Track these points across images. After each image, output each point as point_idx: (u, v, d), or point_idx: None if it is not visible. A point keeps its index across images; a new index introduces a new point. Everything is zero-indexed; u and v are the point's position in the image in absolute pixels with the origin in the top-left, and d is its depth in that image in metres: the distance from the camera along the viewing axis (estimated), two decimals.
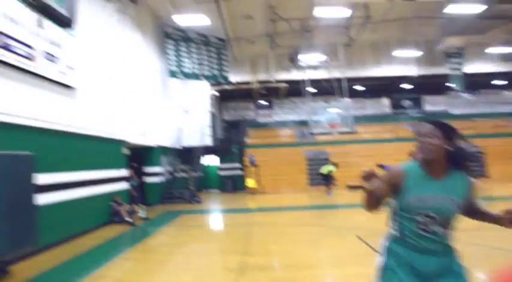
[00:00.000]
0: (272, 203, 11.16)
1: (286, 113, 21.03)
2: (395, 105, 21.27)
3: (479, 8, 10.63)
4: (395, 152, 14.39)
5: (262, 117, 21.03)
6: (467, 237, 3.14)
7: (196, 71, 12.70)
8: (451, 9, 10.87)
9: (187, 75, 12.55)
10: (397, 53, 15.76)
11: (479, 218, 1.59)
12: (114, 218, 7.77)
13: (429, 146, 1.44)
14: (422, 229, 1.46)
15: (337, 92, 14.56)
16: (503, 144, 16.06)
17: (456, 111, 20.12)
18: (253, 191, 13.97)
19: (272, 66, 16.73)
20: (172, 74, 12.18)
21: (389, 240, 1.62)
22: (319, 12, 11.13)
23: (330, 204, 10.43)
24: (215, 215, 9.96)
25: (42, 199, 5.29)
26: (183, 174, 12.84)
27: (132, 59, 9.64)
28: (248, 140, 17.50)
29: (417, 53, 15.73)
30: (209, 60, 13.04)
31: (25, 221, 4.93)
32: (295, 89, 17.15)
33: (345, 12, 11.17)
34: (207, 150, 14.52)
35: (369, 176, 1.50)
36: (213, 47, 13.17)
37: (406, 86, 20.00)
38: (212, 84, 16.07)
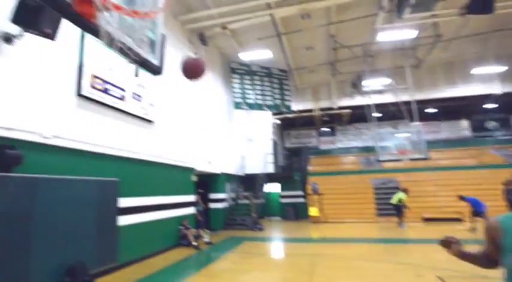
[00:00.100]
0: (336, 234, 10.59)
1: (349, 139, 20.33)
2: (477, 128, 18.86)
3: None
4: (479, 180, 12.64)
5: (325, 144, 20.66)
6: None
7: (260, 102, 13.34)
8: None
9: (251, 106, 13.25)
10: (476, 70, 14.27)
11: None
12: (181, 241, 8.26)
13: None
14: None
15: (406, 116, 13.64)
16: None
17: None
18: (316, 220, 13.49)
19: (334, 93, 16.61)
20: (237, 106, 12.99)
21: None
22: (383, 37, 10.92)
23: (403, 238, 9.46)
24: (277, 243, 9.83)
25: (122, 221, 5.98)
26: (246, 201, 13.15)
27: (202, 93, 10.64)
28: (310, 168, 17.23)
29: (500, 69, 14.01)
30: (272, 90, 13.62)
31: (109, 239, 5.62)
32: (358, 115, 16.63)
33: (411, 34, 10.73)
34: (269, 177, 14.71)
35: (447, 243, 1.40)
36: (275, 78, 13.76)
37: (489, 105, 17.75)
38: (274, 113, 16.60)
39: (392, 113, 15.39)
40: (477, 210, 9.18)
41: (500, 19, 10.67)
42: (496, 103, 17.32)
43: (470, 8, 8.17)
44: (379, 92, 15.56)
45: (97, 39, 2.11)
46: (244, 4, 8.97)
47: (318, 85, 16.87)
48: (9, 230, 3.92)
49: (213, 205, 11.66)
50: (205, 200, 11.00)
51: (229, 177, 12.83)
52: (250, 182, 14.17)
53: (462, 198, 9.62)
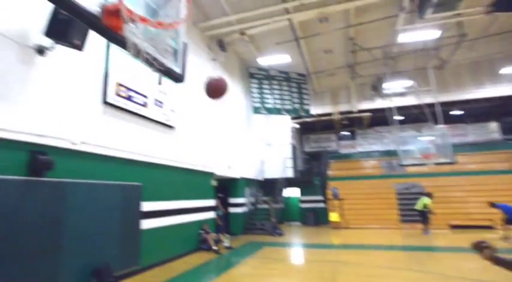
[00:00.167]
0: (357, 240, 10.34)
1: (370, 143, 19.88)
2: (508, 130, 17.92)
3: None
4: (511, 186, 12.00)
5: (345, 148, 20.32)
6: None
7: (278, 106, 13.35)
8: None
9: (270, 111, 13.28)
10: (505, 70, 13.63)
11: None
12: (202, 245, 8.34)
13: None
14: None
15: (429, 119, 13.20)
16: None
17: None
18: (336, 225, 13.25)
19: (354, 96, 16.36)
20: (256, 111, 13.06)
21: None
22: (404, 38, 10.68)
23: (429, 245, 9.09)
24: (297, 249, 9.72)
25: (144, 224, 6.13)
26: (265, 206, 13.12)
27: (221, 98, 10.76)
28: (330, 172, 16.98)
29: None
30: (290, 94, 13.60)
31: (132, 243, 5.77)
32: (379, 118, 16.27)
33: (434, 34, 10.43)
34: (289, 182, 14.63)
35: (479, 247, 1.36)
36: (294, 82, 13.74)
37: None
38: (293, 118, 16.56)
39: (415, 116, 14.96)
40: (510, 217, 8.70)
41: None
42: None
43: (496, 6, 7.86)
44: (401, 94, 15.17)
45: (124, 50, 2.21)
46: (262, 10, 9.07)
47: (337, 88, 16.68)
48: (41, 232, 4.12)
49: (232, 210, 11.72)
50: (225, 204, 11.08)
51: (248, 181, 12.87)
52: (269, 187, 14.15)
53: (493, 204, 9.15)
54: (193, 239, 8.21)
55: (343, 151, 20.21)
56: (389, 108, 13.93)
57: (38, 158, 4.15)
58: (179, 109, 7.86)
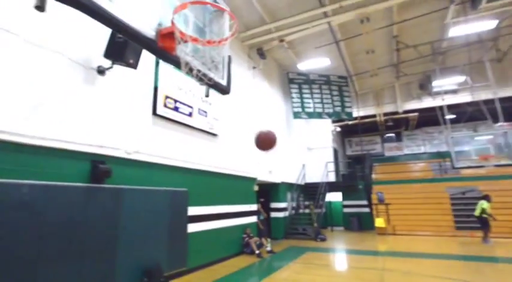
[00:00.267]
0: (406, 247, 9.75)
1: (418, 145, 18.72)
2: None
3: None
4: None
5: (390, 150, 19.36)
6: None
7: (319, 110, 13.17)
8: None
9: (310, 115, 13.14)
10: None
11: None
12: (245, 249, 8.48)
13: None
14: None
15: (487, 117, 12.09)
16: None
17: None
18: (382, 231, 12.64)
19: (399, 96, 15.57)
20: (296, 115, 13.00)
21: None
22: (455, 31, 9.97)
23: (489, 255, 8.28)
24: (341, 255, 9.45)
25: (189, 228, 6.41)
26: (307, 211, 12.97)
27: (261, 104, 10.94)
28: (375, 176, 16.27)
29: None
30: (331, 98, 13.35)
31: (180, 245, 6.07)
32: (427, 118, 15.29)
33: (490, 24, 9.60)
34: (331, 186, 14.31)
35: None
36: (335, 85, 13.47)
37: None
38: (334, 121, 16.22)
39: (469, 114, 13.80)
40: None
41: None
42: None
43: None
44: (453, 91, 14.12)
45: (178, 69, 2.39)
46: (300, 16, 9.06)
47: (380, 89, 16.01)
48: (101, 234, 4.52)
49: (274, 214, 11.76)
50: (266, 209, 11.16)
51: (289, 186, 12.83)
52: (311, 191, 13.97)
53: None
54: (236, 242, 8.38)
55: (388, 154, 19.28)
56: (440, 107, 13.00)
57: (98, 167, 4.57)
58: (222, 117, 8.13)
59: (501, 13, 9.28)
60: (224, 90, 3.11)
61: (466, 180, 13.49)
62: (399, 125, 18.29)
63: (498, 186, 12.54)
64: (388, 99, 16.00)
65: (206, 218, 7.15)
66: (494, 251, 8.76)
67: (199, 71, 2.40)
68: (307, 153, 15.53)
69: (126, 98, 5.32)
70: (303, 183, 14.29)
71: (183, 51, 2.35)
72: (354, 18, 9.05)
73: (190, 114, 6.69)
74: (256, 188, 9.81)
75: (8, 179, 3.52)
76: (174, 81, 6.33)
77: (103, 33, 4.35)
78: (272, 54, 12.02)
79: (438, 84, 13.41)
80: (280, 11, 9.13)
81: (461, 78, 13.53)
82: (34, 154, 3.84)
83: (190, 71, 2.36)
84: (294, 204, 13.15)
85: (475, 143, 11.91)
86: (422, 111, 15.51)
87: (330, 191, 14.55)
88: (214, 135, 7.69)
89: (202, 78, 2.49)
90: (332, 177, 14.60)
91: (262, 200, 10.61)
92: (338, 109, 13.37)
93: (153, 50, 2.39)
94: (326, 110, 13.23)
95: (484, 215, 9.88)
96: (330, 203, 15.50)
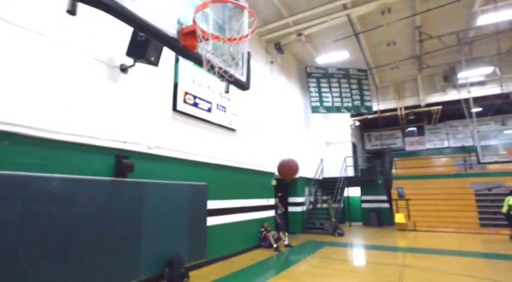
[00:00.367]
0: (427, 244, 9.54)
1: (441, 139, 18.10)
2: None
3: None
4: None
5: (411, 145, 18.83)
6: None
7: (337, 104, 12.98)
8: None
9: (329, 109, 12.97)
10: None
11: None
12: (262, 242, 8.58)
13: None
14: None
15: None
16: None
17: None
18: (402, 227, 12.41)
19: (421, 89, 15.07)
20: (314, 110, 12.87)
21: None
22: (484, 20, 9.50)
23: None
24: (360, 250, 9.38)
25: (209, 221, 6.55)
26: (324, 205, 12.90)
27: (279, 99, 10.91)
28: (395, 171, 15.92)
29: None
30: (350, 91, 13.12)
31: (200, 237, 6.22)
32: (451, 111, 14.73)
33: None
34: (349, 181, 14.15)
35: None
36: (354, 79, 13.21)
37: None
38: (353, 115, 15.94)
39: (497, 107, 13.19)
40: None
41: None
42: None
43: None
44: (480, 83, 13.51)
45: (199, 66, 2.44)
46: (318, 9, 8.89)
47: (401, 82, 15.53)
48: (126, 225, 4.72)
49: (291, 209, 11.79)
50: (284, 203, 11.19)
51: (307, 181, 12.79)
52: (329, 186, 13.88)
53: None
54: (254, 236, 8.49)
55: (410, 148, 18.77)
56: (465, 100, 12.48)
57: (122, 161, 4.75)
58: (240, 112, 8.19)
59: None
60: (244, 86, 3.15)
61: (492, 175, 12.97)
62: (421, 119, 17.73)
63: None
64: (410, 92, 15.53)
65: (225, 212, 7.28)
66: None
67: (220, 68, 2.44)
68: (326, 147, 15.39)
69: (148, 94, 5.47)
70: (321, 178, 14.20)
71: (205, 49, 2.40)
72: (375, 9, 8.81)
73: (209, 110, 6.79)
74: (274, 182, 9.86)
75: (40, 173, 3.73)
76: (193, 78, 6.43)
77: (125, 33, 4.47)
78: (290, 49, 11.90)
79: (464, 75, 12.85)
80: (298, 5, 9.00)
81: (489, 69, 12.91)
82: (63, 149, 4.05)
83: (211, 68, 2.41)
84: (312, 199, 13.11)
85: (502, 137, 11.40)
86: (446, 104, 14.96)
87: (349, 186, 14.39)
88: (232, 130, 7.78)
89: (223, 75, 2.53)
90: (351, 172, 14.41)
91: (280, 194, 10.65)
92: (357, 103, 13.13)
93: (175, 48, 2.45)
94: (345, 104, 13.02)
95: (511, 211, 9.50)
96: (348, 197, 15.35)
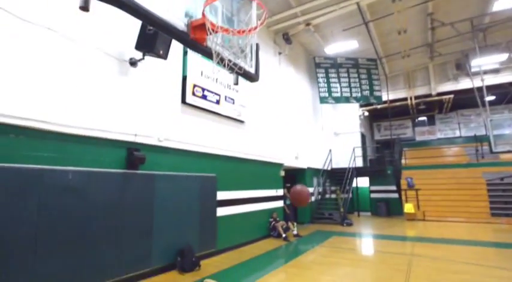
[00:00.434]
0: (436, 233, 9.50)
1: (453, 128, 17.80)
2: None
3: None
4: None
5: (422, 135, 18.58)
6: None
7: (346, 94, 12.82)
8: None
9: (337, 100, 12.84)
10: None
11: None
12: (271, 232, 8.68)
13: None
14: None
15: None
16: None
17: None
18: (411, 217, 12.37)
19: (433, 77, 14.76)
20: (323, 100, 12.76)
21: None
22: (501, 5, 9.18)
23: None
24: (368, 240, 9.42)
25: (218, 212, 6.65)
26: (333, 196, 12.92)
27: (287, 90, 10.84)
28: (405, 161, 15.77)
29: None
30: (359, 81, 12.94)
31: (209, 227, 6.33)
32: (463, 100, 14.43)
33: None
34: (358, 171, 14.10)
35: None
36: (363, 68, 13.00)
37: None
38: (362, 105, 15.76)
39: (511, 95, 12.86)
40: None
41: None
42: None
43: None
44: (494, 71, 13.16)
45: (209, 59, 2.45)
46: None
47: (412, 71, 15.23)
48: (138, 216, 4.84)
49: None
50: None
51: (316, 171, 12.80)
52: (337, 177, 13.87)
53: None
54: (263, 226, 8.59)
55: (420, 138, 18.53)
56: (479, 88, 12.19)
57: (133, 154, 4.83)
58: (249, 104, 8.19)
59: None
60: (253, 78, 3.15)
61: (505, 165, 12.75)
62: (432, 108, 17.43)
63: None
64: (421, 81, 15.24)
65: (234, 203, 7.37)
66: None
67: (230, 60, 2.45)
68: (334, 138, 15.31)
69: (157, 87, 5.51)
70: (329, 168, 14.18)
71: (214, 42, 2.40)
72: None
73: (217, 102, 6.80)
74: (282, 173, 9.90)
75: (55, 166, 3.84)
76: (202, 70, 6.44)
77: (133, 27, 4.48)
78: (298, 39, 11.74)
79: (477, 63, 12.52)
80: None
81: (503, 56, 12.55)
82: (76, 143, 4.14)
83: (221, 61, 2.42)
84: (321, 190, 13.14)
85: None
86: (457, 93, 14.65)
87: (357, 176, 14.35)
88: (241, 122, 7.79)
89: (232, 68, 2.54)
90: (359, 163, 14.34)
91: (288, 185, 10.69)
92: (366, 93, 12.95)
93: (185, 41, 2.46)
94: (354, 94, 12.86)
95: None
96: (357, 188, 15.33)
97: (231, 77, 3.21)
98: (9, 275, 3.30)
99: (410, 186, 13.09)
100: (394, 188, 14.60)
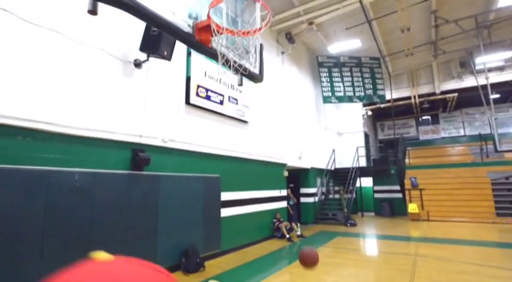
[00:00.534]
0: (441, 233, 9.45)
1: (457, 127, 17.68)
2: None
3: None
4: None
5: (426, 134, 18.47)
6: None
7: (349, 94, 12.77)
8: None
9: (341, 99, 12.80)
10: None
11: None
12: (275, 233, 8.67)
13: None
14: None
15: None
16: None
17: None
18: (415, 217, 12.31)
19: (437, 76, 14.66)
20: (326, 100, 12.73)
21: None
22: (506, 1, 9.10)
23: None
24: (372, 240, 9.39)
25: (222, 213, 6.66)
26: (336, 196, 12.89)
27: (290, 90, 10.82)
28: (408, 160, 15.69)
29: None
30: (362, 81, 12.88)
31: (214, 228, 6.34)
32: (468, 99, 14.32)
33: None
34: (361, 171, 14.05)
35: None
36: (366, 67, 12.95)
37: None
38: (365, 104, 15.70)
39: None
40: None
41: None
42: None
43: None
44: (499, 68, 13.05)
45: (214, 60, 2.46)
46: None
47: (415, 69, 15.14)
48: (143, 217, 4.85)
49: (303, 199, 11.83)
50: (296, 194, 11.24)
51: (319, 171, 12.77)
52: (341, 177, 13.83)
53: None
54: (266, 227, 8.59)
55: (424, 137, 18.43)
56: (483, 86, 12.09)
57: (138, 155, 4.85)
58: (252, 104, 8.19)
59: None
60: (257, 78, 3.15)
61: (510, 164, 12.64)
62: (436, 107, 17.33)
63: None
64: (425, 79, 15.15)
65: (238, 203, 7.37)
66: None
67: (235, 62, 2.45)
68: (337, 138, 15.28)
69: (161, 89, 5.53)
70: (333, 168, 14.15)
71: (219, 43, 2.40)
72: None
73: (221, 102, 6.81)
74: (286, 173, 9.89)
75: (62, 167, 3.86)
76: (205, 71, 6.45)
77: (138, 28, 4.50)
78: (301, 38, 11.72)
79: (482, 61, 12.43)
80: None
81: (508, 54, 12.43)
82: (82, 144, 4.16)
83: (226, 62, 2.42)
84: (324, 190, 13.11)
85: None
86: (462, 91, 14.55)
87: (361, 176, 14.30)
88: (244, 122, 7.80)
89: (237, 69, 2.54)
90: (363, 162, 14.30)
91: (291, 185, 10.69)
92: (369, 92, 12.89)
93: (191, 43, 2.46)
94: (357, 94, 12.81)
95: None
96: (360, 188, 15.28)
97: (235, 77, 3.21)
98: (17, 273, 3.33)
99: (414, 186, 13.02)
100: (397, 187, 14.52)
